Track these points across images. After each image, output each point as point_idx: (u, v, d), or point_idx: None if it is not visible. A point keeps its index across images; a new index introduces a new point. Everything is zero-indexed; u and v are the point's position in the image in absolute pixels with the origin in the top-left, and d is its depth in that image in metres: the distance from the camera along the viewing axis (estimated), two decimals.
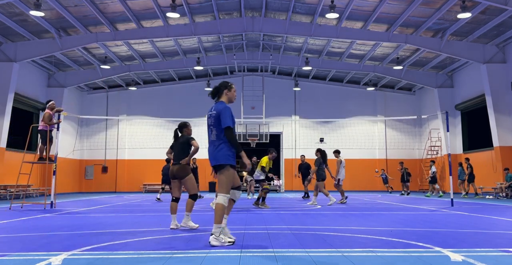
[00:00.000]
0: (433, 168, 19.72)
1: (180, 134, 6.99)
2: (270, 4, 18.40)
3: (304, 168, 17.47)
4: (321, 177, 13.22)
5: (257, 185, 13.13)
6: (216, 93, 5.42)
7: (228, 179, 5.11)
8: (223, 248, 4.72)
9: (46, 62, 22.21)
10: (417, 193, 24.52)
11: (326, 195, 12.92)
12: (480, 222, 7.53)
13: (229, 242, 4.97)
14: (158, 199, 15.85)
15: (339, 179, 13.98)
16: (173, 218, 6.65)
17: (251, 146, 25.58)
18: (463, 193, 19.17)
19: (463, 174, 19.37)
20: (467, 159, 19.40)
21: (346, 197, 14.02)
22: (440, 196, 18.81)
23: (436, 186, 19.74)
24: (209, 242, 4.92)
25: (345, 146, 26.93)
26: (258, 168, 12.47)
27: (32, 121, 22.19)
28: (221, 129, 5.13)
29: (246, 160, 5.19)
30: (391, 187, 24.19)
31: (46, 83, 23.48)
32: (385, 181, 23.67)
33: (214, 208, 10.65)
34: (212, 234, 4.95)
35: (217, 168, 5.17)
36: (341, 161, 14.03)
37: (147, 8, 17.32)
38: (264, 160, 12.39)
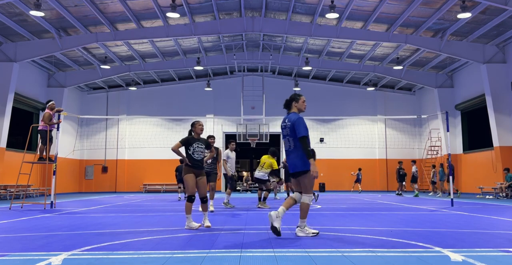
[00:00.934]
0: (414, 168, 20.10)
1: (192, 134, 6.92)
2: (270, 4, 18.40)
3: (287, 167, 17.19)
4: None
5: (256, 184, 13.13)
6: (287, 106, 5.97)
7: (311, 183, 5.66)
8: (223, 248, 4.72)
9: (46, 62, 22.21)
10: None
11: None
12: (480, 222, 7.53)
13: (313, 233, 5.57)
14: (180, 198, 16.63)
15: None
16: (204, 216, 6.90)
17: (251, 146, 25.59)
18: (453, 193, 19.58)
19: (443, 175, 19.99)
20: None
21: (317, 196, 14.60)
22: (416, 195, 19.35)
23: (415, 185, 20.23)
24: (295, 233, 5.66)
25: (345, 146, 26.97)
26: (266, 169, 12.28)
27: (32, 121, 22.20)
28: (296, 138, 5.63)
29: (314, 168, 5.54)
30: (356, 188, 25.10)
31: (46, 83, 23.48)
32: (359, 180, 24.59)
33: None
34: (297, 227, 5.67)
35: (298, 174, 5.70)
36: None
37: (147, 8, 17.32)
38: (271, 160, 12.28)
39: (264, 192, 11.96)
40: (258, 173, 12.20)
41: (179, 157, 6.88)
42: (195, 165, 6.62)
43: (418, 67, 24.24)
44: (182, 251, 4.54)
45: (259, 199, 11.91)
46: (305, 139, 5.54)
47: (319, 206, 12.03)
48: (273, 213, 5.49)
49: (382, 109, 28.10)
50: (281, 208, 5.58)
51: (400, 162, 21.35)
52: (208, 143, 6.92)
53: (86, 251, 4.54)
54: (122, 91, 27.90)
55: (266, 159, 12.26)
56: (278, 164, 13.12)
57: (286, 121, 5.77)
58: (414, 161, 20.87)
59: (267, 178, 12.21)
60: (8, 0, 14.91)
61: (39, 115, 22.21)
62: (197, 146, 6.66)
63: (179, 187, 17.20)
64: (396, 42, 19.69)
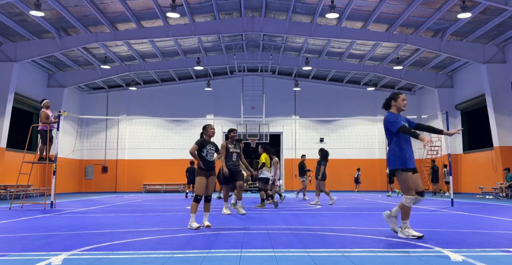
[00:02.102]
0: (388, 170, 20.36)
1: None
2: (270, 4, 18.40)
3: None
4: (324, 177, 13.29)
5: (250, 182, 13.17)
6: (386, 105, 6.09)
7: (405, 182, 5.54)
8: (223, 248, 4.72)
9: (46, 62, 22.20)
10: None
11: (328, 194, 13.02)
12: (480, 222, 7.53)
13: (413, 235, 5.41)
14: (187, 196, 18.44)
15: (274, 179, 14.00)
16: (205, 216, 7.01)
17: (251, 146, 25.58)
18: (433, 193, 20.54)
19: None
20: (433, 161, 21.04)
21: (273, 201, 14.03)
22: (389, 196, 19.63)
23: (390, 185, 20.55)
24: (398, 234, 5.60)
25: (345, 146, 26.97)
26: (266, 167, 12.33)
27: (32, 121, 22.21)
28: (390, 137, 5.75)
29: (425, 138, 5.47)
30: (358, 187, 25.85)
31: (46, 83, 23.48)
32: (356, 180, 25.15)
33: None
34: (399, 227, 5.59)
35: (393, 172, 5.73)
36: (277, 162, 14.06)
37: (147, 8, 17.32)
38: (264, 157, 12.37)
39: (265, 191, 12.11)
40: (270, 174, 12.17)
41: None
42: (208, 167, 6.83)
43: (418, 67, 24.23)
44: (182, 251, 4.54)
45: (263, 200, 11.86)
46: (401, 130, 5.62)
47: (319, 206, 12.03)
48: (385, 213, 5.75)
49: (382, 109, 28.01)
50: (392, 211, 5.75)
51: None
52: (217, 146, 7.22)
53: (86, 251, 4.54)
54: (122, 91, 27.89)
55: (268, 158, 12.32)
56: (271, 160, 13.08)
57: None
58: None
59: (267, 176, 12.22)
60: (8, 0, 14.92)
61: (39, 115, 22.17)
62: (210, 148, 6.95)
63: (189, 187, 18.82)
64: (396, 42, 19.69)
